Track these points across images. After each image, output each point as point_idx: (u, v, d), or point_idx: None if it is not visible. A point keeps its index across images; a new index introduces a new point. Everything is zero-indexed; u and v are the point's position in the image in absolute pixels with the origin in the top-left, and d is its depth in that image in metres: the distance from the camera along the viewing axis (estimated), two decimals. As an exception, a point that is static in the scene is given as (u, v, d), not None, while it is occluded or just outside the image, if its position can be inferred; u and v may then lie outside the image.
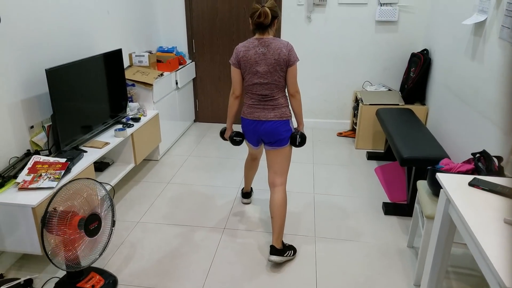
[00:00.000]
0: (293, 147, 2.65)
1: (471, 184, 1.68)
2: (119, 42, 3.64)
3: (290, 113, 2.45)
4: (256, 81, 2.35)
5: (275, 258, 2.34)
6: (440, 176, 1.77)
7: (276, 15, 2.31)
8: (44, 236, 1.89)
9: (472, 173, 2.10)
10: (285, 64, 2.31)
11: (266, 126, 2.40)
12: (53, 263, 1.94)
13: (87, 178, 2.09)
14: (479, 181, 1.68)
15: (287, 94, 2.43)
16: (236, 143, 2.59)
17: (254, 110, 2.41)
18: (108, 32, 3.44)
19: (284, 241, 2.48)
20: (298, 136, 2.45)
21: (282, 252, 2.39)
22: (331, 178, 3.48)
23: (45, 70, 2.40)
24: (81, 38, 3.06)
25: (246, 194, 3.07)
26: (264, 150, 2.57)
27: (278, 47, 2.29)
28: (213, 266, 2.39)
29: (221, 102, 4.82)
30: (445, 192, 1.67)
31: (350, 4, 4.16)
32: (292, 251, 2.45)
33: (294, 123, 3.49)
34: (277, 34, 4.39)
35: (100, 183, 2.12)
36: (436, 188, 2.17)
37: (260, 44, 2.31)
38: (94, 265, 2.31)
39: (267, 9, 2.25)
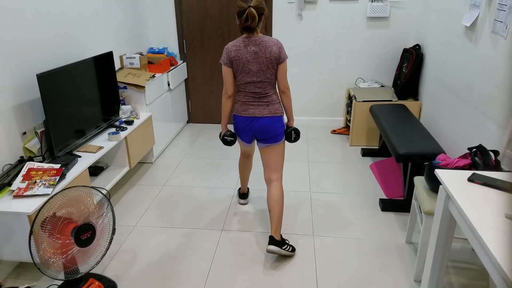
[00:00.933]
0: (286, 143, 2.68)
1: (470, 179, 1.69)
2: (110, 44, 3.60)
3: (282, 109, 2.49)
4: (249, 79, 2.37)
5: (273, 248, 2.35)
6: (439, 172, 1.77)
7: (262, 12, 2.30)
8: (39, 243, 1.86)
9: (469, 168, 2.11)
10: (276, 61, 2.34)
11: (261, 122, 2.42)
12: (41, 271, 1.90)
13: (84, 186, 2.06)
14: (478, 176, 1.69)
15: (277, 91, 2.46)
16: (227, 143, 2.60)
17: (249, 107, 2.43)
18: (98, 34, 3.39)
19: (287, 241, 2.48)
20: (293, 132, 2.52)
21: (281, 244, 2.39)
22: (326, 176, 3.48)
23: (36, 75, 2.36)
24: (71, 41, 3.01)
25: (243, 194, 3.06)
26: (257, 147, 2.57)
27: (269, 45, 2.31)
28: (213, 268, 2.37)
29: (214, 102, 4.80)
30: (445, 188, 1.68)
31: (341, 0, 4.16)
32: (290, 247, 2.45)
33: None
34: (269, 33, 4.38)
35: (98, 190, 2.09)
36: (433, 183, 2.18)
37: (251, 43, 2.32)
38: (92, 271, 2.28)
39: (253, 11, 2.23)
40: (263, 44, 2.31)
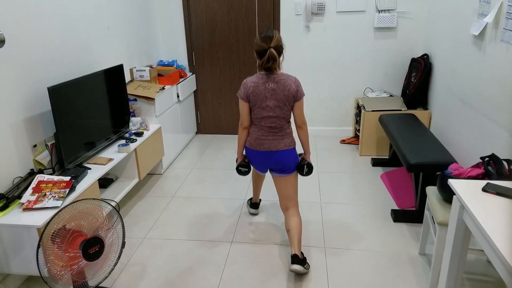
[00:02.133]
0: None
1: (484, 189, 1.65)
2: (120, 57, 3.64)
3: (295, 140, 2.51)
4: (266, 114, 2.39)
5: (297, 267, 2.27)
6: (452, 182, 1.74)
7: (282, 50, 2.33)
8: (48, 256, 1.86)
9: (482, 178, 2.07)
10: (293, 98, 2.36)
11: (277, 155, 2.44)
12: (49, 286, 1.89)
13: (94, 199, 2.06)
14: (492, 186, 1.66)
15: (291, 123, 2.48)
16: (242, 173, 2.61)
17: (264, 141, 2.44)
18: (108, 48, 3.43)
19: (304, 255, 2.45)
20: (305, 166, 2.50)
21: (303, 262, 2.34)
22: (337, 187, 3.45)
23: (48, 88, 2.38)
24: (82, 54, 3.05)
25: (254, 204, 3.04)
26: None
27: (287, 83, 2.34)
28: (223, 281, 2.34)
29: (222, 113, 4.81)
30: (459, 198, 1.64)
31: (348, 12, 4.17)
32: (308, 265, 2.41)
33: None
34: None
35: (107, 203, 2.09)
36: (447, 194, 2.14)
37: (269, 80, 2.35)
38: (102, 284, 2.26)
39: (274, 52, 2.26)
40: (281, 82, 2.33)
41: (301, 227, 2.44)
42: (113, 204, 2.83)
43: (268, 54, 2.26)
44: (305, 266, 2.34)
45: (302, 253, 2.38)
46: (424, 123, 3.68)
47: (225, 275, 2.40)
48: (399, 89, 4.39)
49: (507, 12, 2.41)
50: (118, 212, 2.12)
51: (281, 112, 2.38)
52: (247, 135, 2.53)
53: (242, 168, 2.60)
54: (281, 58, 2.36)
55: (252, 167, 2.64)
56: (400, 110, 3.87)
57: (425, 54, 3.95)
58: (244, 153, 2.61)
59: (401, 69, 4.31)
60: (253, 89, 2.36)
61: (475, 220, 1.50)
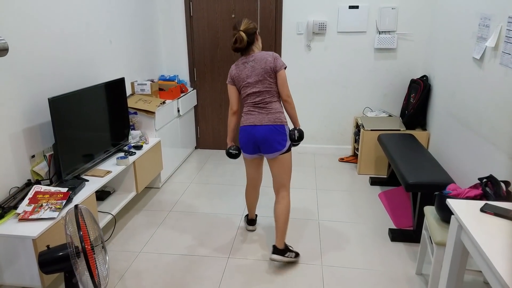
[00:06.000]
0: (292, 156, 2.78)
1: (482, 210, 1.65)
2: (122, 71, 3.67)
3: (286, 119, 2.56)
4: (250, 91, 2.52)
5: (275, 256, 2.50)
6: (450, 202, 1.74)
7: (253, 32, 2.49)
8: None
9: (480, 199, 2.07)
10: (272, 71, 2.48)
11: (261, 130, 2.50)
12: None
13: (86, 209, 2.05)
14: (490, 207, 1.66)
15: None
16: (232, 156, 2.68)
17: (250, 116, 2.55)
18: (110, 61, 3.47)
19: (290, 247, 2.61)
20: (296, 131, 2.55)
21: (283, 252, 2.53)
22: (335, 204, 3.43)
23: (48, 99, 2.40)
24: (83, 67, 3.08)
25: (251, 221, 3.03)
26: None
27: (264, 57, 2.48)
28: (218, 298, 2.31)
29: (222, 128, 4.82)
30: (457, 218, 1.64)
31: (349, 32, 4.23)
32: (294, 253, 2.58)
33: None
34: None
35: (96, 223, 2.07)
36: (444, 214, 2.13)
37: (248, 60, 2.52)
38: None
39: (242, 34, 2.45)
40: (258, 57, 2.49)
41: (286, 216, 2.56)
42: (109, 217, 2.81)
43: (236, 36, 2.46)
44: (287, 255, 2.54)
45: (285, 243, 2.56)
46: (422, 143, 3.70)
47: (220, 291, 2.37)
48: (398, 109, 4.42)
49: (506, 36, 2.45)
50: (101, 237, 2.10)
51: (263, 86, 2.48)
52: (236, 121, 2.65)
53: (233, 151, 2.67)
54: (257, 41, 2.54)
55: (243, 153, 2.68)
56: (399, 130, 3.89)
57: (425, 76, 4.00)
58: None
59: (400, 89, 4.35)
60: (235, 71, 2.54)
61: (474, 240, 1.49)
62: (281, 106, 2.56)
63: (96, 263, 1.88)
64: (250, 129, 2.52)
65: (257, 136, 2.49)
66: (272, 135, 2.47)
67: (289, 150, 2.55)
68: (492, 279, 1.39)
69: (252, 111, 2.53)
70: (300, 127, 2.63)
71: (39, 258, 1.83)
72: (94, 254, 1.87)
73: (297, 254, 2.59)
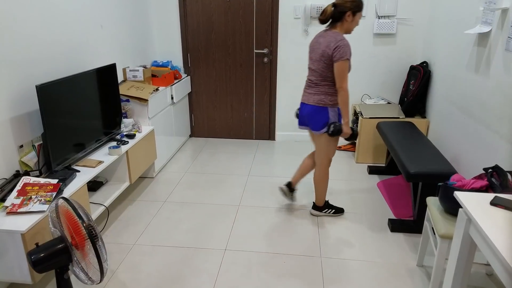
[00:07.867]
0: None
1: (493, 203, 1.59)
2: (113, 56, 3.54)
3: (331, 102, 2.59)
4: (309, 65, 2.64)
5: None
6: (458, 195, 1.67)
7: (343, 10, 2.45)
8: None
9: (486, 190, 2.01)
10: (328, 58, 2.48)
11: (305, 109, 2.67)
12: None
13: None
14: (501, 200, 1.59)
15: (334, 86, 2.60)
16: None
17: (303, 94, 2.71)
18: (101, 46, 3.33)
19: (323, 211, 2.97)
20: (332, 126, 2.60)
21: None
22: (332, 194, 3.37)
23: (36, 86, 2.28)
24: (73, 53, 2.95)
25: (289, 184, 3.06)
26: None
27: (328, 41, 2.47)
28: (215, 291, 2.25)
29: (217, 116, 4.72)
30: (466, 212, 1.58)
31: (347, 16, 4.11)
32: (331, 210, 2.96)
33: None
34: (274, 46, 4.32)
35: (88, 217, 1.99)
36: (449, 205, 2.07)
37: (322, 35, 2.54)
38: (88, 293, 2.16)
39: (329, 7, 2.47)
40: (327, 38, 2.48)
41: (316, 180, 2.86)
42: (102, 208, 2.72)
43: (324, 8, 2.50)
44: (324, 211, 2.97)
45: (325, 201, 2.96)
46: (422, 131, 3.63)
47: (218, 283, 2.30)
48: (397, 96, 4.34)
49: None
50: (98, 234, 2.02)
51: (318, 67, 2.54)
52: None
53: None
54: (345, 21, 2.48)
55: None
56: (398, 117, 3.82)
57: (424, 62, 3.91)
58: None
59: (399, 76, 4.27)
60: (312, 41, 2.64)
61: (484, 234, 1.43)
62: (330, 90, 2.57)
63: (97, 249, 1.78)
64: (301, 105, 2.73)
65: (303, 113, 2.70)
66: (311, 114, 2.62)
67: (330, 134, 2.61)
68: (503, 273, 1.34)
69: (305, 89, 2.68)
70: (343, 122, 2.60)
71: (32, 258, 1.73)
72: (98, 240, 1.78)
73: (338, 210, 2.94)
